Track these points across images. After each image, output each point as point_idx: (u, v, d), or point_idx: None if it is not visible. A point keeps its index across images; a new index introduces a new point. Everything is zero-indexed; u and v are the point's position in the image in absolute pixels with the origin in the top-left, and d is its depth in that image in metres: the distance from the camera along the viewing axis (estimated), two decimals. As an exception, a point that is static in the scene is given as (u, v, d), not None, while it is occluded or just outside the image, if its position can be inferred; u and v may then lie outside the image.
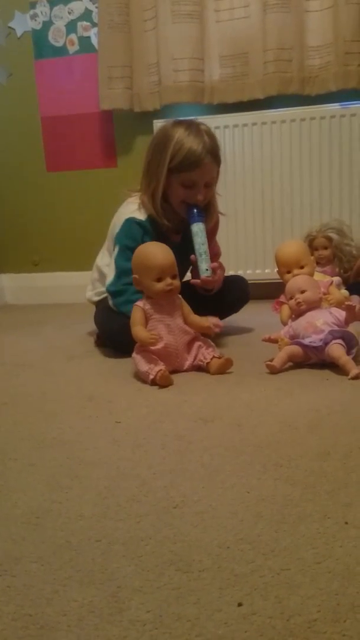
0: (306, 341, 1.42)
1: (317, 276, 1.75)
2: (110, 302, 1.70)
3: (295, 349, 1.44)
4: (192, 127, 1.66)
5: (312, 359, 1.44)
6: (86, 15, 2.64)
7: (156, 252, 1.48)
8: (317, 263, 2.03)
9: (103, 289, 1.81)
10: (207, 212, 1.75)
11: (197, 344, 1.50)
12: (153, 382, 1.39)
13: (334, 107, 2.35)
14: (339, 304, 1.56)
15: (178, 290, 1.49)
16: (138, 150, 2.61)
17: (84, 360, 1.71)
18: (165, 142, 1.65)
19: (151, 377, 1.39)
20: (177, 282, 1.48)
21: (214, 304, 1.76)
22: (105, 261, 1.83)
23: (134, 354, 1.47)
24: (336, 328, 1.42)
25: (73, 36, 2.67)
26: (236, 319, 1.96)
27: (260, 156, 2.43)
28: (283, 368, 1.43)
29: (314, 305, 1.51)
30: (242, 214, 2.46)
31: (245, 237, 2.49)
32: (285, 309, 1.62)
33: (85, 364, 1.67)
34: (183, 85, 2.43)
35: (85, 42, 2.66)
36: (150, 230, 1.69)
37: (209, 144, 1.65)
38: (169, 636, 0.56)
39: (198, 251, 1.67)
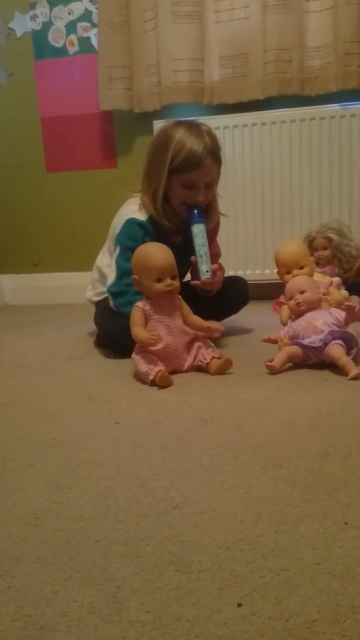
0: (306, 342, 1.42)
1: (317, 277, 1.75)
2: (111, 303, 1.70)
3: (295, 349, 1.44)
4: (193, 128, 1.66)
5: (312, 360, 1.44)
6: (86, 15, 2.64)
7: (156, 253, 1.48)
8: (317, 263, 2.03)
9: (103, 289, 1.81)
10: (208, 213, 1.75)
11: (196, 344, 1.50)
12: (153, 383, 1.39)
13: (334, 107, 2.36)
14: (338, 305, 1.56)
15: (178, 291, 1.49)
16: (138, 151, 2.61)
17: (84, 361, 1.71)
18: (166, 143, 1.65)
19: (151, 377, 1.39)
20: (176, 283, 1.48)
21: (213, 304, 1.76)
22: (106, 261, 1.83)
23: (133, 355, 1.47)
24: (336, 328, 1.42)
25: (73, 37, 2.67)
26: (236, 319, 1.96)
27: (260, 157, 2.44)
28: (283, 368, 1.43)
29: (313, 305, 1.51)
30: (241, 215, 2.46)
31: (245, 237, 2.49)
32: (285, 310, 1.62)
33: (85, 365, 1.67)
34: (183, 86, 2.44)
35: (85, 42, 2.66)
36: (151, 230, 1.69)
37: (210, 144, 1.65)
38: (168, 637, 0.56)
39: (198, 252, 1.67)
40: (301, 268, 1.64)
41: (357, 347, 1.44)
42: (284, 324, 1.59)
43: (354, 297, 1.94)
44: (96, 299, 1.88)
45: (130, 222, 1.69)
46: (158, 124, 2.36)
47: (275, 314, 1.81)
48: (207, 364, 1.46)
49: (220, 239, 1.95)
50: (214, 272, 1.69)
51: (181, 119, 1.83)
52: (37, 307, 2.80)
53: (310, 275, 1.64)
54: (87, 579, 0.66)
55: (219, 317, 1.88)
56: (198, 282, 1.69)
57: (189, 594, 0.62)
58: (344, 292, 1.89)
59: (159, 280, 1.45)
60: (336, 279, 1.92)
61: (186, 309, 1.50)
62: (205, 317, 1.51)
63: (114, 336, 1.69)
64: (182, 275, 1.78)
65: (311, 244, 2.19)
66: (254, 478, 0.88)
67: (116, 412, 1.23)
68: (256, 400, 1.25)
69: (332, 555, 0.68)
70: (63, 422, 1.19)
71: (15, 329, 2.30)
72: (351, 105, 2.34)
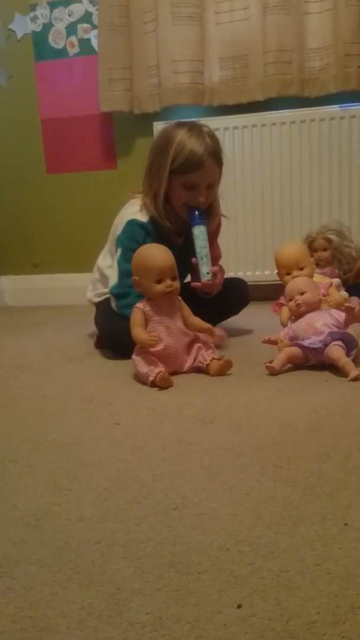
0: (306, 343, 1.42)
1: (317, 278, 1.75)
2: (113, 304, 1.69)
3: (295, 350, 1.44)
4: (194, 129, 1.66)
5: (312, 361, 1.44)
6: (86, 17, 2.64)
7: (156, 254, 1.48)
8: (317, 265, 2.03)
9: (104, 289, 1.81)
10: (209, 214, 1.75)
11: (196, 345, 1.50)
12: (153, 384, 1.39)
13: (334, 109, 2.36)
14: (338, 306, 1.55)
15: (178, 292, 1.49)
16: (138, 152, 2.62)
17: (84, 362, 1.71)
18: (167, 144, 1.65)
19: (151, 378, 1.39)
20: (176, 284, 1.48)
21: (214, 306, 1.76)
22: (107, 262, 1.83)
23: (133, 356, 1.47)
24: (336, 330, 1.42)
25: (73, 38, 2.67)
26: (236, 320, 1.96)
27: (260, 158, 2.44)
28: (283, 370, 1.43)
29: (313, 306, 1.51)
30: (241, 216, 2.46)
31: (245, 238, 2.49)
32: (285, 311, 1.62)
33: (85, 366, 1.67)
34: (183, 87, 2.44)
35: (85, 44, 2.67)
36: (153, 232, 1.69)
37: (211, 145, 1.65)
38: (168, 638, 0.56)
39: (199, 254, 1.67)
40: (301, 269, 1.64)
41: (357, 348, 1.44)
42: (284, 325, 1.59)
43: (354, 298, 1.94)
44: (97, 299, 1.88)
45: (132, 223, 1.69)
46: (158, 126, 2.37)
47: (275, 315, 1.81)
48: (207, 365, 1.46)
49: (220, 240, 1.95)
50: (214, 274, 1.69)
51: (182, 120, 1.83)
52: (37, 308, 2.80)
53: (310, 276, 1.64)
54: (87, 580, 0.66)
55: (219, 319, 1.88)
56: (198, 283, 1.69)
57: (189, 596, 0.62)
58: (343, 293, 1.89)
59: (159, 282, 1.45)
60: (336, 280, 1.92)
61: (186, 310, 1.50)
62: (205, 319, 1.51)
63: (114, 337, 1.69)
64: (184, 277, 1.79)
65: (311, 245, 2.19)
66: (254, 479, 0.88)
67: (116, 413, 1.23)
68: (256, 401, 1.25)
69: (332, 556, 0.68)
70: (63, 423, 1.19)
71: (16, 330, 2.30)
72: (351, 107, 2.34)
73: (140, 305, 1.49)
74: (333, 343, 1.39)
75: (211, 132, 1.69)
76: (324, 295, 1.63)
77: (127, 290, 1.64)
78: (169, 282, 1.45)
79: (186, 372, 1.49)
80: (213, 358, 1.46)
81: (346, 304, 1.49)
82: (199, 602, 0.61)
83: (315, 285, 1.57)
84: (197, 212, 1.68)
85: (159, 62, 2.45)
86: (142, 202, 1.72)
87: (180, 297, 1.51)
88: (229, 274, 1.98)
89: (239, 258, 2.48)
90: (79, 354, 1.79)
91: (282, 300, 1.68)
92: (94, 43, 2.62)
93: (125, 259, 1.64)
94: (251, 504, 0.81)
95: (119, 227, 1.71)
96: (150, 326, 1.47)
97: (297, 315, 1.52)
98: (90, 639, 0.57)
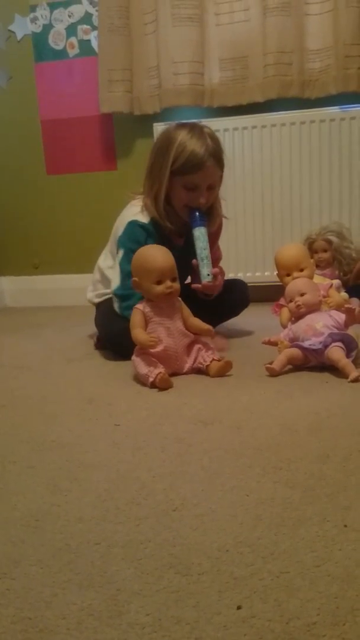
0: (306, 344, 1.42)
1: (317, 279, 1.75)
2: (115, 306, 1.69)
3: (295, 351, 1.44)
4: (195, 130, 1.66)
5: (312, 362, 1.44)
6: (86, 18, 2.64)
7: (156, 255, 1.48)
8: (317, 266, 2.03)
9: (104, 290, 1.81)
10: (210, 216, 1.74)
11: (196, 346, 1.50)
12: (153, 385, 1.39)
13: (334, 110, 2.36)
14: (338, 307, 1.55)
15: (178, 293, 1.49)
16: (138, 153, 2.62)
17: (84, 363, 1.71)
18: (167, 145, 1.65)
19: (151, 379, 1.39)
20: (176, 285, 1.48)
21: (214, 307, 1.76)
22: (108, 263, 1.82)
23: (133, 357, 1.47)
24: (336, 331, 1.42)
25: (73, 39, 2.68)
26: (236, 321, 1.96)
27: (260, 159, 2.44)
28: (283, 371, 1.43)
29: (313, 308, 1.51)
30: (241, 217, 2.46)
31: (245, 240, 2.49)
32: (285, 312, 1.62)
33: (85, 367, 1.67)
34: (183, 89, 2.44)
35: (85, 45, 2.67)
36: (153, 233, 1.69)
37: (212, 146, 1.64)
38: (168, 639, 0.56)
39: (200, 256, 1.67)
40: (301, 270, 1.64)
41: (357, 350, 1.44)
42: (284, 327, 1.59)
43: (354, 300, 1.94)
44: (97, 300, 1.88)
45: (133, 224, 1.69)
46: (158, 127, 2.37)
47: (275, 317, 1.81)
48: (207, 366, 1.46)
49: (220, 241, 1.95)
50: (214, 276, 1.69)
51: (183, 121, 1.83)
52: (37, 309, 2.80)
53: (310, 277, 1.64)
54: (87, 581, 0.66)
55: (219, 320, 1.88)
56: (199, 285, 1.69)
57: (189, 597, 0.62)
58: (344, 295, 1.90)
59: (159, 283, 1.45)
60: (336, 282, 1.92)
61: (186, 311, 1.50)
62: (205, 320, 1.51)
63: (114, 338, 1.69)
64: (184, 278, 1.78)
65: (311, 247, 2.19)
66: (254, 480, 0.88)
67: (116, 414, 1.23)
68: (256, 402, 1.25)
69: (332, 557, 0.68)
70: (63, 424, 1.19)
71: (15, 331, 2.30)
72: (351, 108, 2.35)
73: (140, 306, 1.49)
74: (333, 344, 1.39)
75: (212, 133, 1.69)
76: (324, 297, 1.63)
77: (130, 292, 1.63)
78: (169, 283, 1.45)
79: (186, 373, 1.49)
80: (213, 359, 1.46)
81: (346, 305, 1.49)
82: (198, 603, 0.61)
83: (316, 286, 1.57)
84: (197, 214, 1.68)
85: (159, 63, 2.45)
86: (143, 203, 1.72)
87: (180, 298, 1.51)
88: (229, 275, 1.98)
89: (239, 259, 2.48)
90: (79, 355, 1.79)
91: (282, 301, 1.69)
92: (94, 44, 2.63)
93: (127, 260, 1.64)
94: (251, 505, 0.81)
95: (120, 229, 1.71)
96: (150, 327, 1.47)
97: (297, 316, 1.52)
98: (90, 640, 0.57)
